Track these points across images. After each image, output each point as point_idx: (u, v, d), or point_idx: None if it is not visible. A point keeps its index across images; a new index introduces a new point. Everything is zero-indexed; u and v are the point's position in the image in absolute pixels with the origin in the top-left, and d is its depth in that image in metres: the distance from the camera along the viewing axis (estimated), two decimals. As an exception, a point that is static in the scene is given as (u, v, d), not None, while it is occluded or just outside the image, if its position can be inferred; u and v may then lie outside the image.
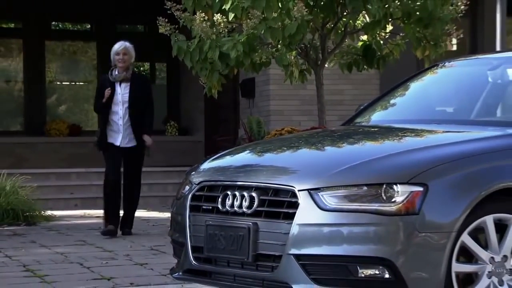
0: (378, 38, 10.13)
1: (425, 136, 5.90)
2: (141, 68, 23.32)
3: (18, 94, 18.02)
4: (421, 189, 4.96)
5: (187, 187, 5.75)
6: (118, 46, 10.27)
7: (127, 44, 10.29)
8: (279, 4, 9.11)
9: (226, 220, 5.31)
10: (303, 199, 5.05)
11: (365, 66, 10.39)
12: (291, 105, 14.44)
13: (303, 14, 8.96)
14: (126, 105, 10.17)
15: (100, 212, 12.58)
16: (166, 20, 9.53)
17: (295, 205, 5.06)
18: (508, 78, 6.56)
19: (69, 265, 7.78)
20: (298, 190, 5.08)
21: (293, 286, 5.02)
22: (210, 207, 5.45)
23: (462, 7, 9.55)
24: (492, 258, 5.11)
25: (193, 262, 5.49)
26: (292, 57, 9.72)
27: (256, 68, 9.77)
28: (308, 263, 5.00)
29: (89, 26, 19.33)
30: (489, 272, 5.09)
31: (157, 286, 6.61)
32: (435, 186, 5.00)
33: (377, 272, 4.95)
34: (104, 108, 10.28)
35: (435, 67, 7.13)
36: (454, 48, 15.99)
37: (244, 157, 5.97)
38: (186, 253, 5.55)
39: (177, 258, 5.79)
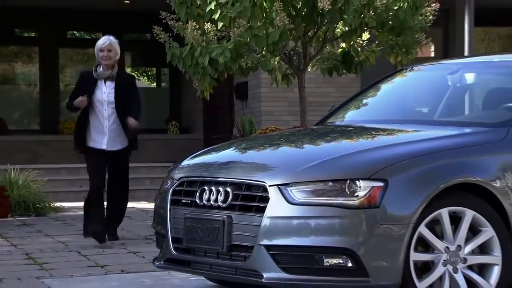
0: (356, 45, 9.98)
1: (388, 135, 5.78)
2: (149, 73, 23.30)
3: (35, 96, 17.92)
4: (381, 184, 4.85)
5: (169, 183, 5.64)
6: (102, 42, 8.50)
7: (112, 39, 8.57)
8: (263, 14, 8.99)
9: (203, 213, 5.20)
10: (273, 194, 4.94)
11: (344, 71, 10.24)
12: (280, 106, 14.32)
13: (285, 23, 8.83)
14: (112, 105, 8.34)
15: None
16: (161, 28, 9.37)
17: (266, 200, 4.95)
18: (465, 81, 6.44)
19: (68, 253, 7.66)
20: (269, 186, 4.97)
21: (263, 274, 4.91)
22: (189, 201, 5.35)
23: (431, 17, 9.43)
24: (447, 247, 5.01)
25: (173, 252, 5.38)
26: (276, 63, 9.57)
27: (245, 72, 9.64)
28: (278, 253, 4.89)
29: (100, 34, 19.14)
30: (444, 260, 5.00)
31: (145, 273, 6.47)
32: (394, 181, 4.89)
33: (341, 261, 4.84)
34: (77, 110, 8.52)
35: (401, 72, 7.00)
36: (432, 54, 15.94)
37: (221, 154, 5.85)
38: (167, 243, 5.44)
39: (159, 248, 5.67)
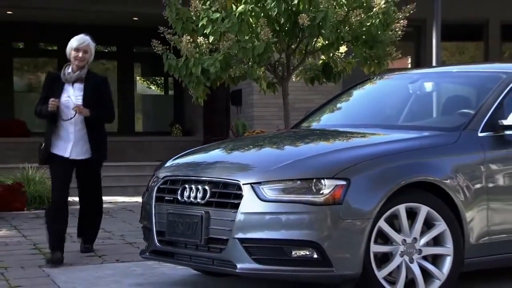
0: (334, 57, 9.87)
1: (354, 138, 5.65)
2: (158, 82, 23.18)
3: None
4: (344, 183, 4.75)
5: (154, 181, 5.51)
6: (78, 41, 6.74)
7: (90, 40, 6.84)
8: (250, 29, 8.87)
9: (184, 209, 5.11)
10: (246, 191, 4.84)
11: (324, 80, 10.12)
12: (271, 112, 14.21)
13: (269, 37, 8.73)
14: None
15: (112, 199, 12.41)
16: (159, 42, 9.28)
17: (240, 197, 4.85)
18: (425, 90, 6.32)
19: (71, 244, 7.49)
20: (243, 184, 4.87)
21: (237, 265, 4.81)
22: (171, 198, 5.25)
23: (399, 32, 9.30)
24: (404, 240, 4.92)
25: (158, 244, 5.28)
26: (261, 72, 9.47)
27: (234, 81, 9.54)
28: (250, 246, 4.79)
29: (115, 48, 19.06)
30: (401, 252, 4.90)
31: (138, 262, 6.33)
32: (356, 180, 4.79)
33: (307, 253, 4.74)
34: (42, 115, 6.79)
35: (368, 81, 6.87)
36: (409, 66, 15.84)
37: (202, 155, 5.75)
38: (152, 237, 5.34)
39: (146, 241, 5.56)
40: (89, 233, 7.13)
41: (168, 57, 9.36)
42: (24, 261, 6.61)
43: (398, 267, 4.88)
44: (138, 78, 20.56)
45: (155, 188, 5.39)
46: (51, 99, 6.53)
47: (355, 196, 4.75)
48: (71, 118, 6.61)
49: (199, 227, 4.95)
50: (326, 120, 6.44)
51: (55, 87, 6.72)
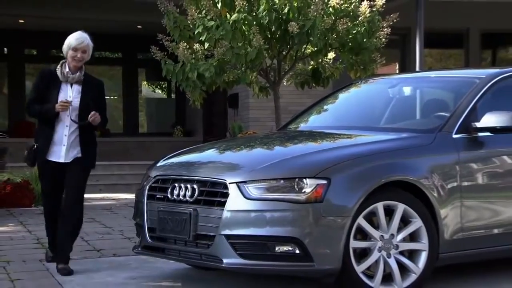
0: (323, 63, 9.78)
1: (335, 139, 5.56)
2: (163, 86, 23.08)
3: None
4: (325, 182, 4.66)
5: (146, 180, 5.43)
6: (77, 41, 5.84)
7: (89, 40, 5.94)
8: (242, 36, 8.81)
9: (173, 207, 5.02)
10: (232, 190, 4.75)
11: (313, 84, 10.04)
12: (266, 114, 14.07)
13: (261, 44, 8.66)
14: (76, 111, 5.79)
15: (115, 196, 12.35)
16: (157, 48, 9.22)
17: (226, 195, 4.76)
18: (403, 94, 6.22)
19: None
20: (229, 183, 4.79)
21: (223, 260, 4.72)
22: (162, 196, 5.16)
23: (383, 39, 9.24)
24: (382, 236, 4.83)
25: (149, 240, 5.20)
26: (253, 77, 9.39)
27: (229, 85, 9.46)
28: (236, 242, 4.70)
29: (121, 54, 18.96)
30: (379, 247, 4.82)
31: (133, 256, 6.21)
32: (336, 179, 4.70)
33: (290, 248, 4.65)
34: (44, 115, 5.82)
35: (351, 85, 6.77)
36: (397, 71, 15.77)
37: (192, 155, 5.66)
38: (143, 233, 5.27)
39: (138, 237, 5.47)
40: (64, 247, 5.84)
41: (166, 62, 9.30)
42: (26, 255, 6.51)
43: (376, 262, 4.80)
44: (144, 82, 20.49)
45: (147, 187, 5.30)
46: (63, 100, 5.73)
47: (335, 194, 4.66)
48: (81, 123, 5.81)
49: (188, 224, 4.86)
50: (311, 122, 6.35)
51: (51, 86, 5.84)
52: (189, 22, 9.13)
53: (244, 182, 4.74)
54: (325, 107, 6.57)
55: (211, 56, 9.21)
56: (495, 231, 5.25)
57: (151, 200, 5.22)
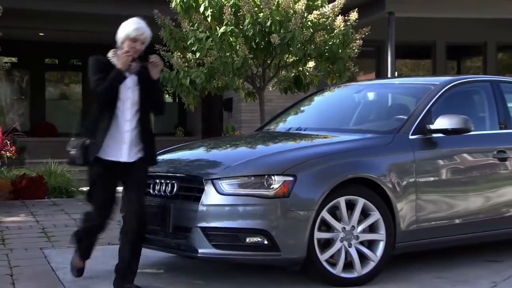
0: (304, 71, 9.62)
1: (304, 139, 5.36)
2: (169, 91, 22.80)
3: (78, 108, 17.53)
4: (291, 178, 4.47)
5: (133, 176, 5.22)
6: (137, 31, 4.52)
7: (148, 30, 4.61)
8: (230, 47, 8.64)
9: (155, 201, 4.82)
10: (207, 186, 4.56)
11: (296, 90, 9.88)
12: (256, 116, 13.62)
13: (246, 54, 8.52)
14: (137, 106, 4.53)
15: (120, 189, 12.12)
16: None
17: (202, 191, 4.56)
18: (368, 99, 6.03)
19: (74, 228, 7.03)
20: (204, 180, 4.60)
21: (199, 250, 4.53)
22: (146, 191, 4.92)
23: (356, 50, 9.08)
24: (344, 228, 4.65)
25: (134, 231, 4.97)
26: (240, 83, 9.22)
27: (219, 90, 9.30)
28: (210, 233, 4.51)
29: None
30: (341, 238, 4.65)
31: (125, 245, 6.02)
32: (302, 176, 4.51)
33: (259, 239, 4.46)
34: (115, 83, 4.47)
35: (323, 90, 6.58)
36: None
37: (173, 154, 5.46)
38: (129, 224, 5.03)
39: (124, 228, 5.26)
40: (133, 268, 4.67)
41: (163, 70, 9.13)
42: (29, 244, 6.30)
43: (339, 251, 4.62)
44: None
45: (132, 183, 5.10)
46: (124, 50, 4.46)
47: (301, 190, 4.48)
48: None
49: (167, 217, 4.68)
50: (286, 123, 6.14)
51: (109, 71, 4.50)
52: (183, 34, 8.98)
53: (218, 178, 4.56)
54: (299, 110, 6.39)
55: (202, 64, 9.04)
56: (446, 222, 5.08)
57: (136, 195, 5.02)
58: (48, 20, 14.19)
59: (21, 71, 17.40)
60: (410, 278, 4.90)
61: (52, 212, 8.68)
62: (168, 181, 4.78)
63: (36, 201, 10.05)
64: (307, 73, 9.69)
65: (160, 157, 5.32)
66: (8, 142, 12.04)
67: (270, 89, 9.95)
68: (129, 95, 4.54)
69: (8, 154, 11.84)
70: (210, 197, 4.52)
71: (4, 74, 17.14)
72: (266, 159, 4.73)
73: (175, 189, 4.72)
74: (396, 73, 14.41)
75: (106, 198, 4.70)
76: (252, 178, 4.52)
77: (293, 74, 9.77)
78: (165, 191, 4.78)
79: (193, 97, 9.25)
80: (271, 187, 4.46)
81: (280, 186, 4.45)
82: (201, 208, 4.52)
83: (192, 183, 4.66)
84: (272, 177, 4.48)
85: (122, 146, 4.53)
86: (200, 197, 4.54)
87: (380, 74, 14.77)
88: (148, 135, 4.64)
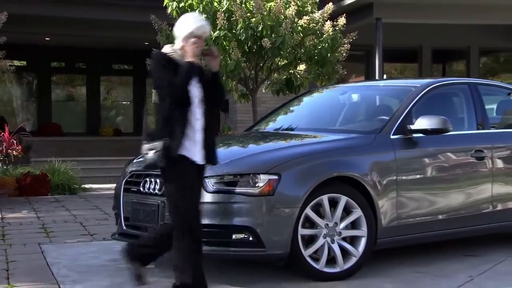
0: (295, 74, 9.50)
1: (290, 139, 5.25)
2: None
3: (84, 109, 17.41)
4: (276, 177, 4.36)
5: (123, 175, 5.13)
6: (200, 29, 3.96)
7: (209, 27, 4.15)
8: (223, 50, 8.52)
9: (144, 199, 4.72)
10: (195, 184, 4.41)
11: (287, 92, 9.75)
12: (251, 117, 13.76)
13: (238, 57, 8.41)
14: (203, 104, 4.03)
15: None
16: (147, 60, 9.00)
17: (190, 189, 4.42)
18: (353, 100, 5.92)
19: (73, 224, 7.12)
20: (192, 178, 4.44)
21: (186, 245, 4.38)
22: (136, 189, 4.85)
23: (344, 54, 8.98)
24: (327, 224, 4.54)
25: (124, 228, 4.91)
26: (233, 85, 9.10)
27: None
28: (198, 230, 4.37)
29: (132, 66, 18.61)
30: (324, 234, 4.53)
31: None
32: (286, 175, 4.40)
33: (245, 236, 4.35)
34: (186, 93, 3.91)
35: (309, 92, 6.47)
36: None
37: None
38: (120, 221, 4.97)
39: (117, 225, 5.15)
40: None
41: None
42: (28, 239, 6.18)
43: (322, 247, 4.51)
44: (153, 91, 20.11)
45: (123, 181, 5.02)
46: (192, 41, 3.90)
47: (285, 188, 4.37)
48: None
49: (156, 214, 4.57)
50: (273, 124, 6.02)
51: (174, 73, 3.91)
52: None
53: (206, 177, 4.42)
54: (287, 111, 6.26)
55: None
56: (426, 219, 4.97)
57: (127, 193, 4.92)
58: (53, 25, 14.08)
59: (30, 74, 17.30)
60: (390, 272, 4.80)
61: (53, 209, 8.57)
62: (157, 180, 4.66)
63: (39, 197, 9.95)
64: (298, 76, 9.56)
65: (140, 159, 5.20)
66: (15, 142, 11.93)
67: (264, 91, 9.85)
68: (195, 92, 4.00)
69: (14, 153, 11.73)
70: (198, 195, 4.40)
71: (14, 77, 17.07)
72: (252, 158, 4.62)
73: (163, 187, 4.60)
74: (384, 75, 14.36)
75: (197, 203, 4.02)
76: (238, 176, 4.41)
77: (284, 77, 9.65)
78: (154, 189, 4.66)
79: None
80: (257, 185, 4.35)
81: (265, 184, 4.34)
82: (189, 205, 4.40)
83: (180, 181, 4.54)
84: (258, 175, 4.37)
85: (196, 146, 4.01)
86: (188, 195, 4.43)
87: (369, 77, 14.65)
88: (213, 134, 4.20)
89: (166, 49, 4.05)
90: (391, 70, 15.86)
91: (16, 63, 17.09)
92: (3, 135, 11.75)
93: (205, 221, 4.35)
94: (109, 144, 15.91)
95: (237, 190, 4.36)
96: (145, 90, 17.80)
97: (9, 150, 11.69)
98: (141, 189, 4.76)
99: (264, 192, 4.33)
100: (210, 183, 4.41)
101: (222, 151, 5.10)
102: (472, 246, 5.66)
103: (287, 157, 4.54)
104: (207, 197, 4.38)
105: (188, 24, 3.99)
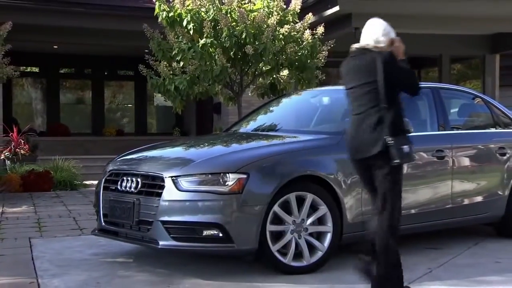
0: (279, 78, 9.26)
1: (260, 139, 4.99)
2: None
3: (89, 111, 17.13)
4: (244, 176, 4.14)
5: (104, 173, 4.89)
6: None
7: None
8: (209, 56, 8.29)
9: (121, 197, 4.49)
10: (168, 183, 4.23)
11: (271, 95, 9.50)
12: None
13: (223, 63, 8.18)
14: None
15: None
16: (144, 66, 8.75)
17: (163, 187, 4.22)
18: (323, 103, 5.69)
19: (66, 219, 6.87)
20: (165, 177, 4.25)
21: (159, 242, 4.20)
22: (114, 187, 4.62)
23: (322, 60, 8.74)
24: (294, 221, 4.32)
25: (103, 224, 4.67)
26: (219, 89, 8.86)
27: (203, 95, 8.95)
28: (170, 227, 4.18)
29: (132, 72, 18.34)
30: (292, 230, 4.31)
31: (105, 235, 5.66)
32: (254, 174, 4.18)
33: (214, 232, 4.13)
34: None
35: (284, 96, 6.24)
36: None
37: (142, 153, 5.04)
38: (99, 218, 4.71)
39: (97, 222, 4.91)
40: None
41: (152, 77, 8.80)
42: (21, 233, 5.94)
43: (289, 242, 4.29)
44: (155, 94, 19.84)
45: (103, 179, 4.78)
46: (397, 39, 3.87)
47: (254, 186, 4.14)
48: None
49: (132, 211, 4.35)
50: (250, 125, 5.80)
51: None
52: (170, 45, 8.64)
53: (178, 176, 4.22)
54: (262, 113, 6.03)
55: (186, 72, 8.70)
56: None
57: (106, 191, 4.69)
58: (60, 34, 13.84)
59: (40, 79, 17.05)
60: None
61: (52, 204, 8.32)
62: (133, 178, 4.45)
63: (42, 193, 9.71)
64: (281, 80, 9.34)
65: (127, 157, 5.00)
66: (22, 141, 11.70)
67: (250, 94, 9.62)
68: None
69: (22, 152, 11.49)
70: (170, 193, 4.19)
71: (31, 82, 16.88)
72: (222, 158, 4.39)
73: (139, 186, 4.39)
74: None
75: None
76: (209, 175, 4.19)
77: (269, 81, 9.42)
78: (130, 187, 4.44)
79: (180, 101, 8.91)
80: (226, 184, 4.13)
81: (234, 183, 4.12)
82: (162, 203, 4.19)
83: (154, 180, 4.33)
84: (227, 174, 4.15)
85: None
86: (161, 193, 4.21)
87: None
88: None
89: (370, 47, 3.83)
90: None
91: (31, 69, 16.91)
92: (11, 135, 11.54)
93: (177, 218, 4.15)
94: (112, 143, 15.66)
95: (207, 189, 4.14)
96: (145, 94, 17.59)
97: (17, 149, 11.47)
98: (119, 187, 4.53)
99: (233, 190, 4.11)
100: (181, 182, 4.19)
101: (195, 151, 4.92)
102: (434, 240, 5.44)
103: (256, 157, 4.32)
104: (179, 195, 4.17)
105: (389, 29, 3.91)
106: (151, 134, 17.31)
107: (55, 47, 15.51)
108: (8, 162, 11.16)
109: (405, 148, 3.57)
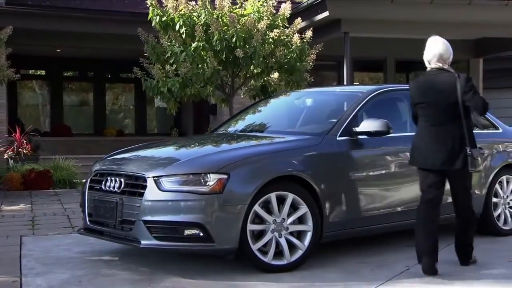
0: (269, 81, 9.11)
1: (243, 140, 4.81)
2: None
3: (91, 112, 16.95)
4: (225, 176, 3.98)
5: (89, 173, 4.72)
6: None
7: None
8: (201, 59, 8.14)
9: (105, 197, 4.32)
10: (150, 183, 4.06)
11: (262, 97, 9.33)
12: (236, 119, 13.42)
13: (214, 66, 8.03)
14: None
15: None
16: (139, 69, 8.59)
17: (145, 187, 4.06)
18: (306, 104, 5.52)
19: (60, 217, 6.69)
20: (147, 177, 4.09)
21: (141, 241, 4.04)
22: (98, 187, 4.45)
23: (311, 63, 8.59)
24: (275, 220, 4.16)
25: (88, 223, 4.50)
26: (210, 91, 8.70)
27: (196, 97, 8.80)
28: (151, 226, 4.02)
29: (133, 75, 18.16)
30: (272, 229, 4.16)
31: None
32: (235, 174, 4.02)
33: (195, 231, 3.97)
34: None
35: (270, 97, 6.08)
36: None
37: (127, 154, 4.84)
38: (84, 217, 4.55)
39: (82, 221, 4.75)
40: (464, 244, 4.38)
41: (146, 80, 8.64)
42: (14, 231, 5.76)
43: (270, 241, 4.14)
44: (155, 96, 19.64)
45: (89, 180, 4.62)
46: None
47: (234, 186, 3.99)
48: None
49: (115, 210, 4.19)
50: (235, 126, 5.63)
51: None
52: (163, 48, 8.48)
53: (160, 176, 4.06)
54: (248, 114, 5.86)
55: (178, 75, 8.55)
56: (369, 214, 4.59)
57: (91, 191, 4.52)
58: (62, 38, 13.69)
59: (44, 81, 16.88)
60: (336, 263, 4.42)
61: (49, 202, 8.16)
62: (117, 178, 4.29)
63: (41, 191, 9.54)
64: (272, 83, 9.19)
65: (113, 157, 4.83)
66: (25, 141, 11.54)
67: (242, 96, 9.46)
68: None
69: (24, 151, 11.33)
70: (152, 193, 4.03)
71: (34, 84, 16.71)
72: (203, 158, 4.23)
73: (122, 186, 4.23)
74: (357, 83, 13.94)
75: None
76: (191, 176, 4.03)
77: (260, 84, 9.26)
78: (114, 187, 4.28)
79: (173, 103, 8.75)
80: (207, 184, 3.97)
81: (215, 183, 3.96)
82: (144, 203, 4.03)
83: (137, 180, 4.17)
84: (208, 175, 3.99)
85: None
86: (143, 193, 4.05)
87: (341, 85, 14.26)
88: None
89: (446, 68, 4.27)
90: (364, 78, 15.45)
91: (35, 72, 16.74)
92: (14, 135, 11.39)
93: (159, 217, 3.99)
94: (113, 143, 15.46)
95: (188, 189, 3.98)
96: (145, 96, 17.42)
97: (19, 149, 11.31)
98: (103, 187, 4.37)
99: (214, 190, 3.95)
100: (163, 182, 4.03)
101: (178, 152, 4.76)
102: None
103: (237, 157, 4.16)
104: (161, 195, 4.01)
105: (448, 47, 4.41)
106: (150, 134, 17.13)
107: (58, 50, 15.34)
108: (11, 161, 11.02)
109: (479, 159, 4.10)
